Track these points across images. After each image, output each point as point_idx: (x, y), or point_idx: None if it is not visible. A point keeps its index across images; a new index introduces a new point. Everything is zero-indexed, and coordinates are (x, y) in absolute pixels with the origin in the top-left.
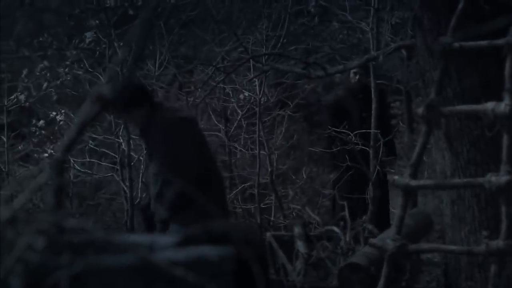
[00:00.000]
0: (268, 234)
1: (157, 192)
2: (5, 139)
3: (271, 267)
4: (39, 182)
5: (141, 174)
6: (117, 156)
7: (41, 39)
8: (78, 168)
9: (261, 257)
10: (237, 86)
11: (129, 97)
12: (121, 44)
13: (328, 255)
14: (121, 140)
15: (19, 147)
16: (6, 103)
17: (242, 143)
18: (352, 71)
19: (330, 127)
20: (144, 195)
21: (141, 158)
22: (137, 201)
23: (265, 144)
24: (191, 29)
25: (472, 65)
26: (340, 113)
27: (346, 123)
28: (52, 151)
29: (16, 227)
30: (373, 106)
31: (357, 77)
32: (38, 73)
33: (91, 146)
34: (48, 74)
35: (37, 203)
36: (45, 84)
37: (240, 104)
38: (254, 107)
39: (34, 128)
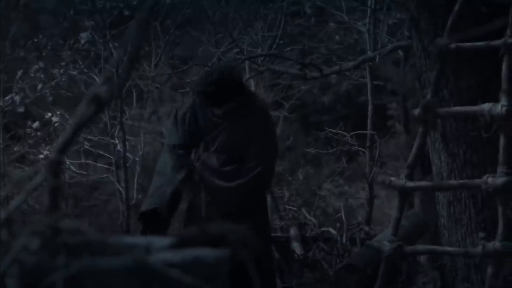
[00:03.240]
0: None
1: (251, 179)
2: (0, 141)
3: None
4: (34, 183)
5: (136, 175)
6: (112, 157)
7: (36, 40)
8: (74, 169)
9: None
10: None
11: (235, 89)
12: (117, 45)
13: (324, 257)
14: (117, 141)
15: (15, 148)
16: (1, 104)
17: None
18: None
19: None
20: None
21: (137, 159)
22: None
23: None
24: (187, 30)
25: (469, 66)
26: None
27: None
28: (48, 152)
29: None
30: (370, 107)
31: None
32: (33, 74)
33: (87, 147)
34: (43, 75)
35: (33, 205)
36: (40, 85)
37: None
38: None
39: (29, 129)
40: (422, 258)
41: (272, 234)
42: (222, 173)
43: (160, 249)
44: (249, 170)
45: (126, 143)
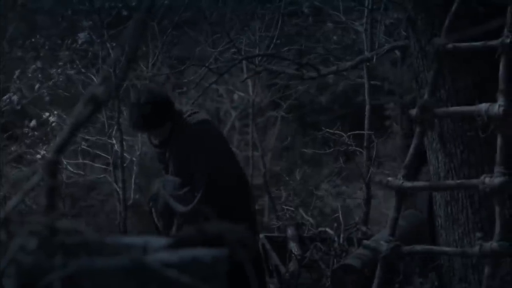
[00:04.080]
0: (261, 235)
1: (198, 202)
2: None
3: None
4: (32, 183)
5: (134, 175)
6: (110, 157)
7: (33, 40)
8: (71, 169)
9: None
10: (230, 87)
11: (159, 115)
12: (114, 45)
13: (321, 257)
14: (114, 141)
15: (12, 148)
16: None
17: (235, 144)
18: None
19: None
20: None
21: (134, 159)
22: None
23: (258, 145)
24: (184, 30)
25: (466, 66)
26: None
27: None
28: (45, 152)
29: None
30: (367, 107)
31: None
32: (30, 74)
33: (84, 147)
34: (40, 75)
35: (30, 205)
36: (37, 85)
37: (233, 105)
38: (247, 108)
39: (26, 129)
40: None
41: (270, 234)
42: (176, 198)
43: (158, 249)
44: (196, 192)
45: (124, 143)
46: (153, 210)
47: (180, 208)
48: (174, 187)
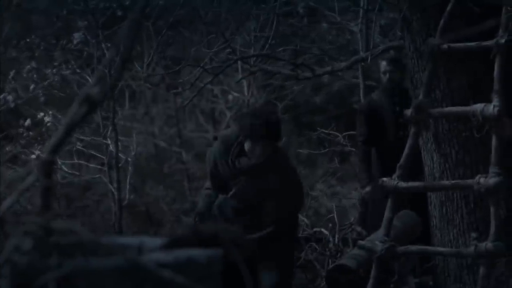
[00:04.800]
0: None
1: (263, 235)
2: None
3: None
4: (26, 183)
5: (129, 175)
6: (105, 158)
7: (28, 40)
8: (66, 169)
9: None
10: (225, 87)
11: (280, 128)
12: (109, 45)
13: (316, 257)
14: (109, 142)
15: (7, 149)
16: None
17: None
18: (381, 70)
19: (363, 134)
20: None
21: (129, 159)
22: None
23: None
24: (179, 30)
25: (461, 66)
26: (374, 119)
27: (380, 130)
28: (40, 153)
29: (4, 229)
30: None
31: (386, 76)
32: (25, 74)
33: (79, 147)
34: (35, 75)
35: (25, 205)
36: (32, 85)
37: (228, 105)
38: (243, 108)
39: (21, 129)
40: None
41: None
42: (235, 222)
43: (153, 249)
44: (264, 225)
45: (119, 143)
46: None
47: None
48: (235, 212)
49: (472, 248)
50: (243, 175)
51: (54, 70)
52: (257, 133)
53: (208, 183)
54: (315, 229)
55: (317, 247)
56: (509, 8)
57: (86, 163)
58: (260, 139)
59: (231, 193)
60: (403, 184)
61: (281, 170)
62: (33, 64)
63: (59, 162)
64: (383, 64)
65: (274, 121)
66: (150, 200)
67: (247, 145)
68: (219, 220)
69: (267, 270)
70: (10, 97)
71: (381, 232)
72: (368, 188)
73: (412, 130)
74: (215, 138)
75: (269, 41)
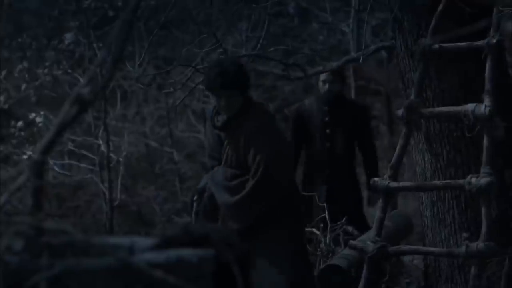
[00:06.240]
0: None
1: (250, 192)
2: None
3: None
4: (18, 183)
5: (120, 175)
6: (96, 158)
7: (20, 40)
8: (57, 169)
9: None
10: None
11: (240, 78)
12: (101, 45)
13: None
14: (100, 142)
15: None
16: None
17: None
18: (321, 79)
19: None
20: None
21: (120, 159)
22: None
23: None
24: (171, 30)
25: (452, 66)
26: (302, 126)
27: (308, 137)
28: (31, 153)
29: None
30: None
31: (326, 86)
32: (17, 74)
33: (70, 147)
34: (27, 75)
35: (16, 205)
36: (24, 85)
37: None
38: None
39: (13, 129)
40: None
41: None
42: (226, 188)
43: (144, 249)
44: (250, 181)
45: (110, 143)
46: (194, 204)
47: (228, 199)
48: (225, 177)
49: (463, 248)
50: (222, 134)
51: (45, 70)
52: (213, 84)
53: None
54: (306, 229)
55: (308, 247)
56: (500, 8)
57: (77, 163)
58: (220, 90)
59: (222, 161)
60: (394, 184)
61: (253, 121)
62: (25, 64)
63: (51, 162)
64: (324, 73)
65: (232, 70)
66: (141, 200)
67: (213, 101)
68: (213, 192)
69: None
70: (1, 98)
71: (372, 232)
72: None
73: (403, 130)
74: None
75: (261, 41)
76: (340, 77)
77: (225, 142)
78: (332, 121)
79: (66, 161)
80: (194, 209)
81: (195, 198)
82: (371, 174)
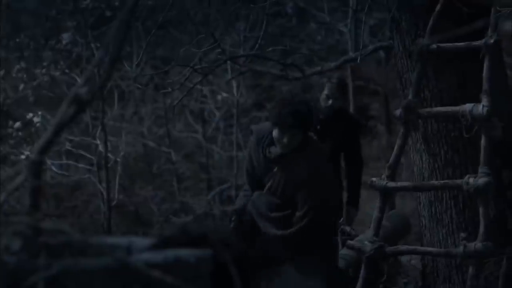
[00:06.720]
0: None
1: (296, 231)
2: None
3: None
4: (16, 183)
5: (117, 175)
6: (94, 158)
7: (18, 40)
8: (55, 169)
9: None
10: (214, 87)
11: (309, 118)
12: (98, 45)
13: None
14: (98, 142)
15: None
16: None
17: (219, 144)
18: (325, 92)
19: None
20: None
21: (118, 159)
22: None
23: (242, 146)
24: (169, 30)
25: (450, 66)
26: None
27: None
28: (29, 153)
29: None
30: (351, 107)
31: (329, 101)
32: (14, 74)
33: (68, 147)
34: (25, 76)
35: (14, 205)
36: (22, 85)
37: (217, 105)
38: (232, 108)
39: (11, 129)
40: (403, 259)
41: None
42: (270, 219)
43: (142, 249)
44: (297, 219)
45: (108, 143)
46: (232, 225)
47: (271, 230)
48: (268, 207)
49: (461, 248)
50: (273, 164)
51: (43, 70)
52: (284, 121)
53: (246, 185)
54: None
55: None
56: (498, 8)
57: (75, 163)
58: (288, 128)
59: (265, 188)
60: (392, 184)
61: (310, 162)
62: (22, 64)
63: (48, 162)
64: (329, 87)
65: (303, 111)
66: (139, 200)
67: (274, 133)
68: (255, 218)
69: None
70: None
71: (370, 232)
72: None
73: (401, 130)
74: (252, 132)
75: (259, 41)
76: (343, 92)
77: (274, 171)
78: (323, 130)
79: (64, 161)
80: (232, 227)
81: (233, 218)
82: (352, 189)
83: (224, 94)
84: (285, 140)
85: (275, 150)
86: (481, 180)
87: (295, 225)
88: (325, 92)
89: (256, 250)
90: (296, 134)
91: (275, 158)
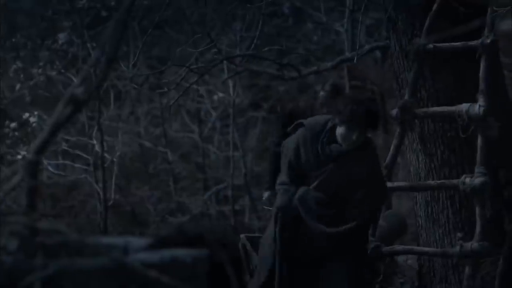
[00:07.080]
0: (242, 235)
1: (348, 230)
2: None
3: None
4: (12, 183)
5: (114, 175)
6: (90, 158)
7: (14, 40)
8: (51, 169)
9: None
10: (210, 87)
11: (378, 119)
12: (95, 45)
13: None
14: (94, 142)
15: None
16: None
17: (215, 144)
18: (319, 102)
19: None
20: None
21: (114, 159)
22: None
23: (239, 146)
24: (165, 30)
25: (447, 66)
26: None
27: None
28: (25, 153)
29: None
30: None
31: (324, 110)
32: (11, 74)
33: (65, 147)
34: (21, 75)
35: (11, 205)
36: (18, 85)
37: (213, 105)
38: (228, 108)
39: (7, 129)
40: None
41: (250, 235)
42: (321, 217)
43: (138, 249)
44: (350, 218)
45: (104, 143)
46: (278, 220)
47: (322, 228)
48: (318, 204)
49: (457, 248)
50: (332, 163)
51: (39, 70)
52: (357, 120)
53: (281, 179)
54: None
55: None
56: (494, 8)
57: (71, 163)
58: (358, 126)
59: (314, 184)
60: (388, 184)
61: (369, 162)
62: (19, 64)
63: (45, 162)
64: (323, 96)
65: (375, 110)
66: (135, 200)
67: (340, 131)
68: (302, 214)
69: (339, 265)
70: None
71: None
72: (267, 193)
73: (397, 130)
74: (295, 127)
75: (255, 41)
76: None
77: (327, 168)
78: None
79: (60, 161)
80: (278, 226)
81: (279, 215)
82: None
83: (221, 94)
84: (354, 137)
85: (336, 147)
86: (478, 180)
87: (349, 223)
88: (320, 101)
89: (299, 249)
90: (363, 133)
91: (336, 156)
